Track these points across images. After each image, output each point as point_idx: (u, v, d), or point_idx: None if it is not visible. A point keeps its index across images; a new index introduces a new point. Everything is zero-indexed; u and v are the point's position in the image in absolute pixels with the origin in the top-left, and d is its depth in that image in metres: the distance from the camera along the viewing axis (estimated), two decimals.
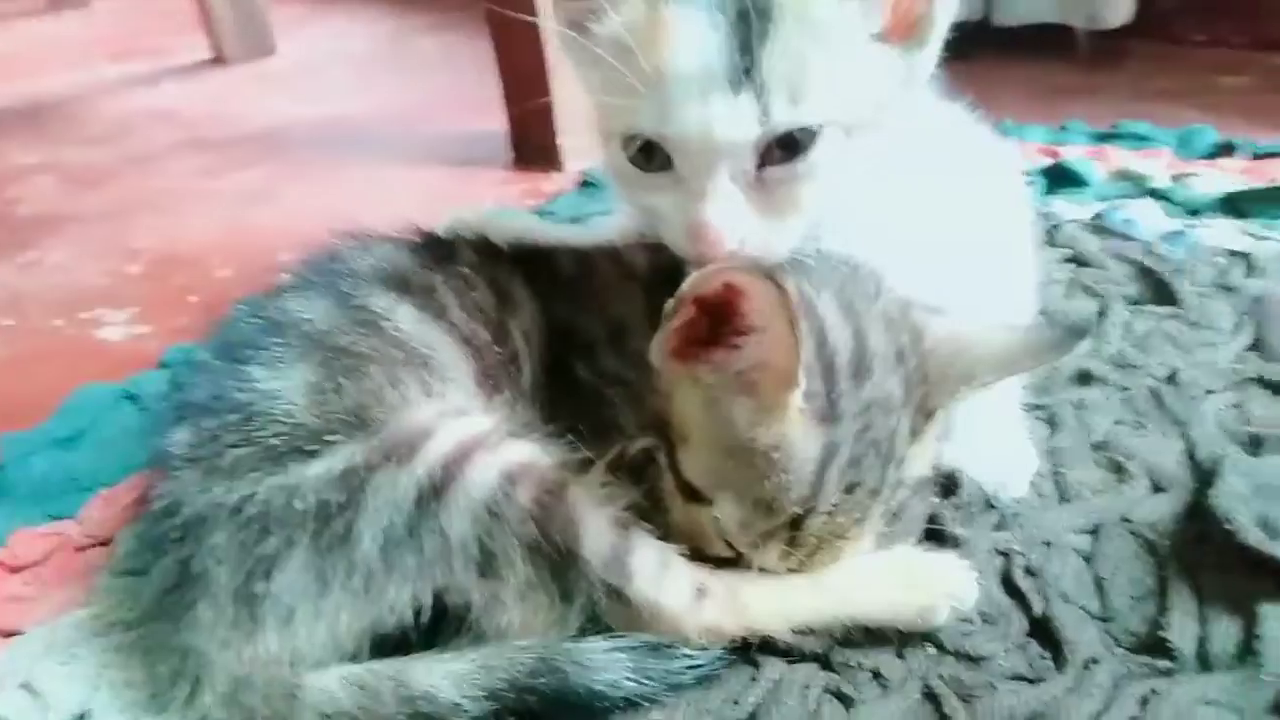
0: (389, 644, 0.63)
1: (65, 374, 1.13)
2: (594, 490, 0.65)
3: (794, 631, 0.65)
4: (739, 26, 0.65)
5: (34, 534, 0.84)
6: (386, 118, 2.27)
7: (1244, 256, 1.15)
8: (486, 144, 1.91)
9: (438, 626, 0.63)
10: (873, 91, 0.69)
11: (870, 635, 0.66)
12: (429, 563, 0.61)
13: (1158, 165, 1.44)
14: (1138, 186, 1.38)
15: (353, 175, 1.89)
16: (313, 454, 0.62)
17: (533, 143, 1.79)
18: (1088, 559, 0.72)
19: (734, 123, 0.65)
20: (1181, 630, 0.65)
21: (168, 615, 0.63)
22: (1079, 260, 1.18)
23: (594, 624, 0.63)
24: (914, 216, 0.76)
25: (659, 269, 0.75)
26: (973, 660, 0.64)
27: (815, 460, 0.62)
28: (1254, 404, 0.88)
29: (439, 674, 0.61)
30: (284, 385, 0.65)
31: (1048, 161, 1.47)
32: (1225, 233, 1.22)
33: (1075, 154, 1.49)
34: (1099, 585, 0.70)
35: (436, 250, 0.78)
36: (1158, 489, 0.78)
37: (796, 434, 0.61)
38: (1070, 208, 1.33)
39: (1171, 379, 0.92)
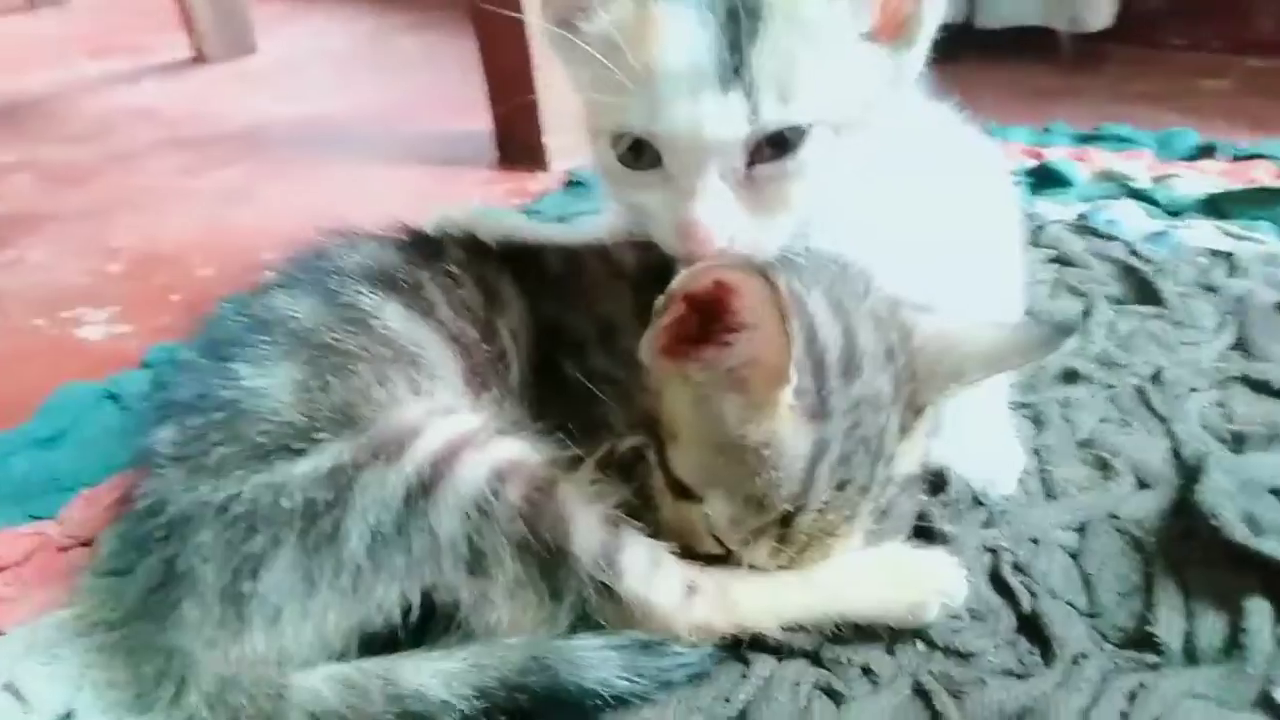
0: (377, 642, 0.62)
1: (46, 373, 1.12)
2: (584, 488, 0.65)
3: (784, 628, 0.65)
4: (728, 25, 0.65)
5: (14, 534, 0.83)
6: (368, 117, 2.26)
7: (1226, 257, 1.16)
8: (470, 143, 1.90)
9: (426, 625, 0.63)
10: (862, 91, 0.69)
11: (860, 632, 0.66)
12: (417, 561, 0.61)
13: (1139, 167, 1.46)
14: (1120, 187, 1.39)
15: (334, 174, 1.88)
16: (300, 452, 0.62)
17: (518, 142, 1.79)
18: (1075, 555, 0.73)
19: (723, 121, 0.65)
20: (1168, 625, 0.65)
21: (152, 615, 0.62)
22: (1063, 260, 1.19)
23: (584, 622, 0.63)
24: (902, 215, 0.77)
25: (648, 267, 0.74)
26: (962, 656, 0.65)
27: (806, 457, 0.62)
28: (1237, 402, 0.89)
29: (428, 672, 0.60)
30: (270, 383, 0.64)
31: (1032, 163, 1.48)
32: (1207, 233, 1.23)
33: (1058, 155, 1.51)
34: (1086, 581, 0.70)
35: (424, 248, 0.77)
36: (1143, 486, 0.79)
37: (787, 431, 0.61)
38: (1054, 208, 1.34)
39: (1156, 377, 0.93)
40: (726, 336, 0.62)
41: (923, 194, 0.79)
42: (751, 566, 0.65)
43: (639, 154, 0.70)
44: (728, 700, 0.62)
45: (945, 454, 0.78)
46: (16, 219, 1.74)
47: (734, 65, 0.64)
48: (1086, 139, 1.61)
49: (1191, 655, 0.63)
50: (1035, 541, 0.73)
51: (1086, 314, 1.06)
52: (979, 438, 0.81)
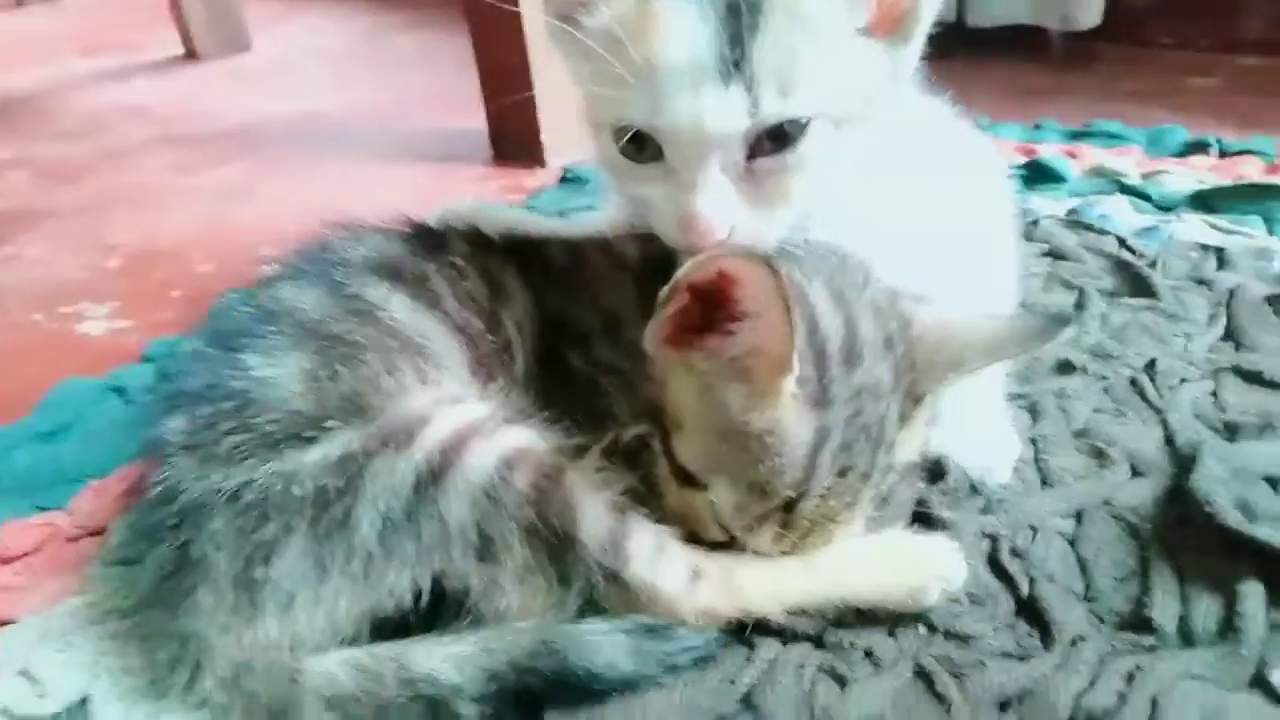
0: (388, 628, 0.63)
1: (47, 368, 1.12)
2: (590, 475, 0.66)
3: (788, 613, 0.66)
4: (729, 19, 0.65)
5: (24, 525, 0.83)
6: (364, 114, 2.27)
7: (1216, 250, 1.17)
8: (465, 140, 1.91)
9: (436, 610, 0.63)
10: (860, 85, 0.70)
11: (862, 616, 0.67)
12: (427, 548, 0.62)
13: (1130, 163, 1.47)
14: (1112, 183, 1.41)
15: (330, 172, 1.89)
16: (310, 440, 0.63)
17: (513, 138, 1.79)
18: (1072, 541, 0.74)
19: (724, 114, 0.66)
20: (1164, 609, 0.66)
21: (166, 602, 0.63)
22: (1056, 254, 1.20)
23: (591, 607, 0.64)
24: (899, 209, 0.78)
25: (650, 259, 0.75)
26: (962, 639, 0.66)
27: (808, 444, 0.63)
28: (1229, 392, 0.90)
29: (439, 656, 0.61)
30: (280, 373, 0.65)
31: (1024, 159, 1.50)
32: (1197, 228, 1.25)
33: (1050, 152, 1.52)
34: (1083, 566, 0.71)
35: (428, 241, 0.78)
36: (1138, 474, 0.80)
37: (790, 419, 0.62)
38: (1047, 203, 1.36)
39: (1149, 368, 0.94)
40: (730, 326, 0.63)
41: (919, 187, 0.80)
42: (755, 552, 0.66)
43: (641, 147, 0.71)
44: (733, 683, 0.63)
45: (944, 443, 0.79)
46: (12, 216, 1.74)
47: (734, 59, 0.65)
48: (1077, 136, 1.63)
49: (1187, 638, 0.65)
50: (1033, 528, 0.74)
51: (1080, 307, 1.07)
52: (977, 427, 0.82)
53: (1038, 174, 1.45)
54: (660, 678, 0.63)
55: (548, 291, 0.76)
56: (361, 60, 2.81)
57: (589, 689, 0.62)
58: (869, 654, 0.65)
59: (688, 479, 0.66)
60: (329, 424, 0.63)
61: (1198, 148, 1.52)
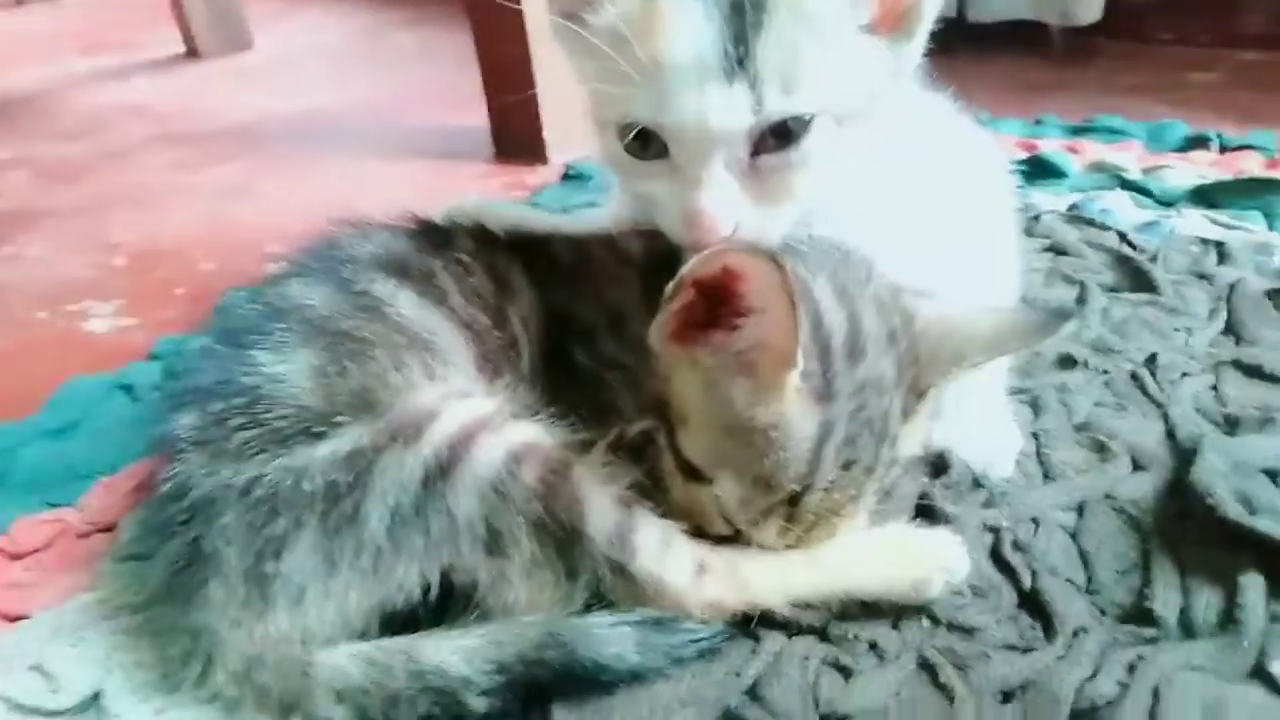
0: (397, 621, 0.64)
1: (53, 367, 1.13)
2: (597, 470, 0.66)
3: (793, 605, 0.66)
4: (733, 18, 0.66)
5: (34, 521, 0.84)
6: (365, 111, 2.27)
7: (1216, 245, 1.18)
8: (467, 137, 1.91)
9: (445, 604, 0.64)
10: (863, 82, 0.71)
11: (866, 608, 0.67)
12: (436, 542, 0.63)
13: (1130, 158, 1.48)
14: (1112, 178, 1.41)
15: (331, 169, 1.89)
16: (319, 436, 0.63)
17: (515, 135, 1.80)
18: (1073, 534, 0.74)
19: (728, 112, 0.66)
20: (1165, 600, 0.67)
21: (177, 597, 0.64)
22: (1057, 249, 1.21)
23: (598, 600, 0.65)
24: (902, 205, 0.78)
25: (654, 255, 0.76)
26: (966, 631, 0.66)
27: (812, 438, 0.63)
28: (1229, 386, 0.90)
29: (448, 649, 0.62)
30: (289, 369, 0.66)
31: (1025, 154, 1.50)
32: (1197, 223, 1.25)
33: (1051, 147, 1.52)
34: (1085, 559, 0.72)
35: (434, 238, 0.78)
36: (1139, 467, 0.81)
37: (794, 413, 0.63)
38: (1048, 199, 1.36)
39: (1150, 363, 0.94)
40: (734, 321, 0.63)
41: (922, 184, 0.80)
42: (760, 546, 0.67)
43: (646, 144, 0.71)
44: (738, 675, 0.64)
45: (946, 437, 0.80)
46: (13, 215, 1.74)
47: (739, 57, 0.65)
48: (1078, 131, 1.63)
49: (1188, 629, 0.65)
50: (1035, 521, 0.75)
51: (1081, 301, 1.07)
52: (979, 421, 0.82)
53: (1039, 169, 1.45)
54: (667, 670, 0.63)
55: (553, 287, 0.77)
56: (362, 57, 2.81)
57: (596, 681, 0.62)
58: (873, 646, 0.66)
59: (693, 473, 0.67)
60: (338, 419, 0.64)
61: (1198, 143, 1.52)
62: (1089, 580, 0.70)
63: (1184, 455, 0.80)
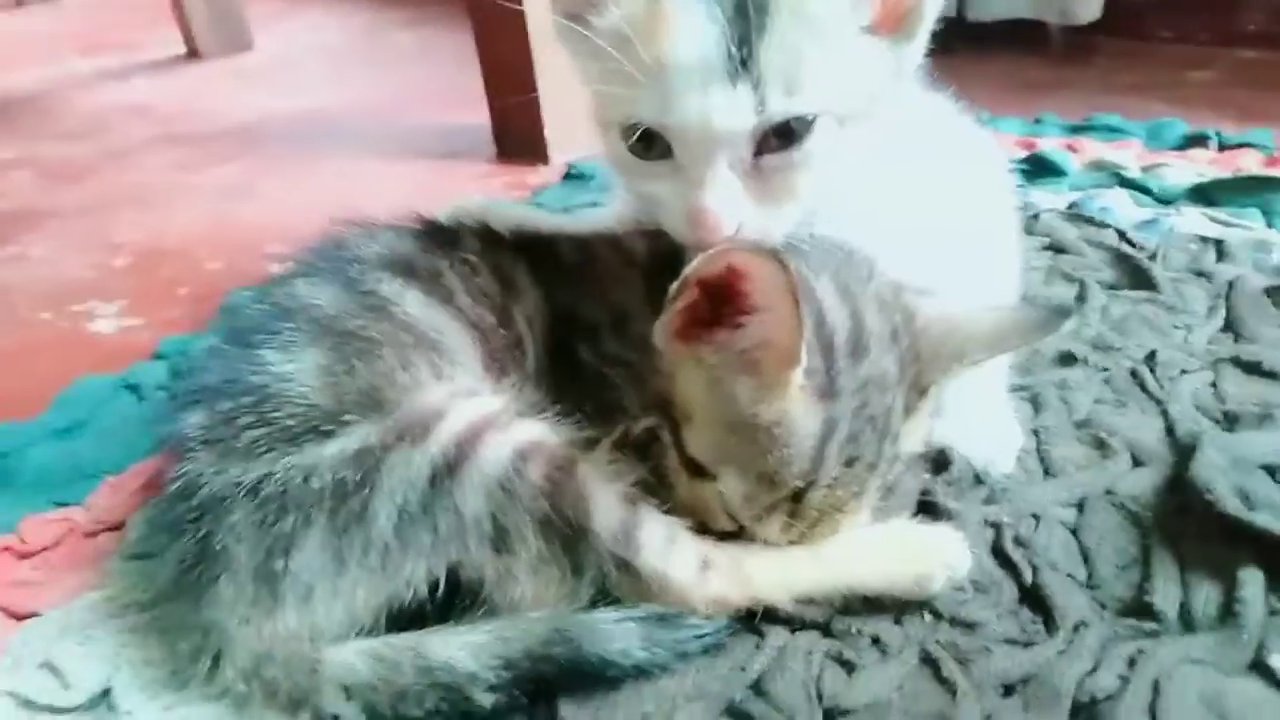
0: (405, 618, 0.64)
1: (57, 367, 1.14)
2: (602, 467, 0.67)
3: (796, 601, 0.67)
4: (737, 19, 0.66)
5: (42, 520, 0.84)
6: (365, 112, 2.28)
7: (1215, 243, 1.19)
8: (468, 137, 1.92)
9: (452, 600, 0.65)
10: (865, 83, 0.71)
11: (869, 604, 0.68)
12: (443, 539, 0.63)
13: (1130, 156, 1.49)
14: (1112, 176, 1.42)
15: (332, 169, 1.90)
16: (328, 434, 0.64)
17: (516, 135, 1.80)
18: (1074, 530, 0.75)
19: (732, 113, 0.67)
20: (1165, 595, 0.67)
21: (186, 594, 0.64)
22: (1057, 247, 1.21)
23: (603, 596, 0.65)
24: (903, 204, 0.79)
25: (658, 255, 0.76)
26: (968, 626, 0.67)
27: (815, 435, 0.64)
28: (1228, 383, 0.91)
29: (456, 645, 0.62)
30: (297, 368, 0.66)
31: (1024, 153, 1.51)
32: (1196, 220, 1.26)
33: (1050, 146, 1.53)
34: (1085, 554, 0.73)
35: (440, 237, 0.79)
36: (1139, 463, 0.81)
37: (798, 410, 0.64)
38: (1047, 197, 1.37)
39: (1149, 360, 0.95)
40: (739, 320, 0.64)
41: (923, 183, 0.81)
42: (764, 542, 0.68)
43: (649, 145, 0.72)
44: (743, 670, 0.64)
45: (947, 434, 0.81)
46: (16, 215, 1.75)
47: (742, 58, 0.66)
48: (1077, 129, 1.64)
49: (1188, 623, 0.66)
50: (1035, 517, 0.76)
51: (1081, 299, 1.08)
52: (980, 418, 0.83)
53: (1038, 168, 1.46)
54: (672, 665, 0.64)
55: (558, 287, 0.77)
56: (363, 57, 2.82)
57: (602, 676, 0.63)
58: (876, 641, 0.66)
59: (697, 470, 0.68)
60: (346, 418, 0.64)
61: (1197, 141, 1.53)
62: (1089, 575, 0.71)
63: (1183, 451, 0.80)
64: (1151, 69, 2.00)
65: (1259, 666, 0.62)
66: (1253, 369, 0.93)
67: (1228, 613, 0.65)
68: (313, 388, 0.65)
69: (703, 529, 0.68)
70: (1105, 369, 0.95)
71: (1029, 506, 0.77)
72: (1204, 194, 1.33)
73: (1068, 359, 0.96)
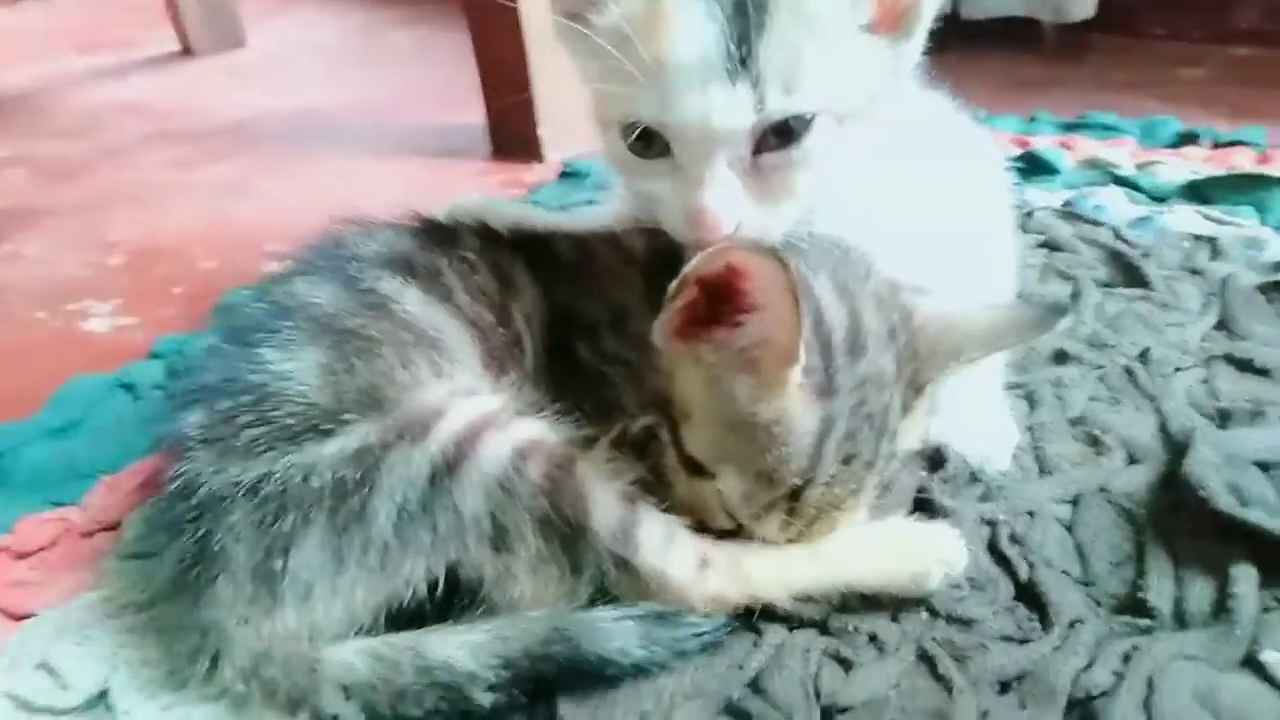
0: (404, 617, 0.64)
1: (53, 366, 1.13)
2: (601, 466, 0.67)
3: (794, 599, 0.67)
4: (736, 18, 0.66)
5: (38, 520, 0.84)
6: (360, 110, 2.27)
7: (1208, 240, 1.19)
8: (463, 135, 1.91)
9: (451, 600, 0.65)
10: (863, 81, 0.71)
11: (866, 601, 0.68)
12: (443, 538, 0.63)
13: (1123, 154, 1.49)
14: (1105, 174, 1.42)
15: (328, 168, 1.89)
16: (328, 433, 0.64)
17: (512, 133, 1.80)
18: (1069, 527, 0.75)
19: (731, 111, 0.67)
20: (1159, 591, 0.68)
21: (184, 594, 0.64)
22: (1051, 245, 1.22)
23: (602, 595, 0.65)
24: (900, 202, 0.79)
25: (657, 253, 0.76)
26: (964, 623, 0.67)
27: (814, 433, 0.64)
28: (1221, 380, 0.92)
29: (455, 644, 0.62)
30: (297, 366, 0.66)
31: (1019, 151, 1.51)
32: (1190, 218, 1.26)
33: (1045, 144, 1.54)
34: (1080, 551, 0.73)
35: (439, 235, 0.79)
36: (1133, 461, 0.82)
37: (796, 408, 0.64)
38: (1042, 195, 1.37)
39: (1143, 357, 0.95)
40: (737, 318, 0.64)
41: (920, 181, 0.81)
42: (762, 540, 0.68)
43: (648, 143, 0.72)
44: (741, 668, 0.65)
45: (944, 432, 0.81)
46: (11, 214, 1.74)
47: (741, 57, 0.66)
48: (1071, 127, 1.64)
49: (1181, 619, 0.66)
50: (1031, 514, 0.76)
51: (1075, 297, 1.09)
52: (976, 416, 0.83)
53: (1033, 166, 1.46)
54: (670, 663, 0.64)
55: (556, 285, 0.77)
56: (357, 55, 2.81)
57: (601, 675, 0.63)
58: (873, 638, 0.67)
59: (696, 468, 0.68)
60: (346, 417, 0.64)
61: (1190, 139, 1.54)
62: (1084, 572, 0.71)
63: (1177, 448, 0.81)
64: (1145, 66, 2.01)
65: (1251, 662, 0.63)
66: (1245, 366, 0.93)
67: (1221, 609, 0.66)
68: (312, 386, 0.65)
69: (701, 527, 0.69)
70: (1100, 366, 0.95)
71: (1024, 504, 0.77)
72: (1197, 191, 1.34)
73: (1062, 357, 0.97)
